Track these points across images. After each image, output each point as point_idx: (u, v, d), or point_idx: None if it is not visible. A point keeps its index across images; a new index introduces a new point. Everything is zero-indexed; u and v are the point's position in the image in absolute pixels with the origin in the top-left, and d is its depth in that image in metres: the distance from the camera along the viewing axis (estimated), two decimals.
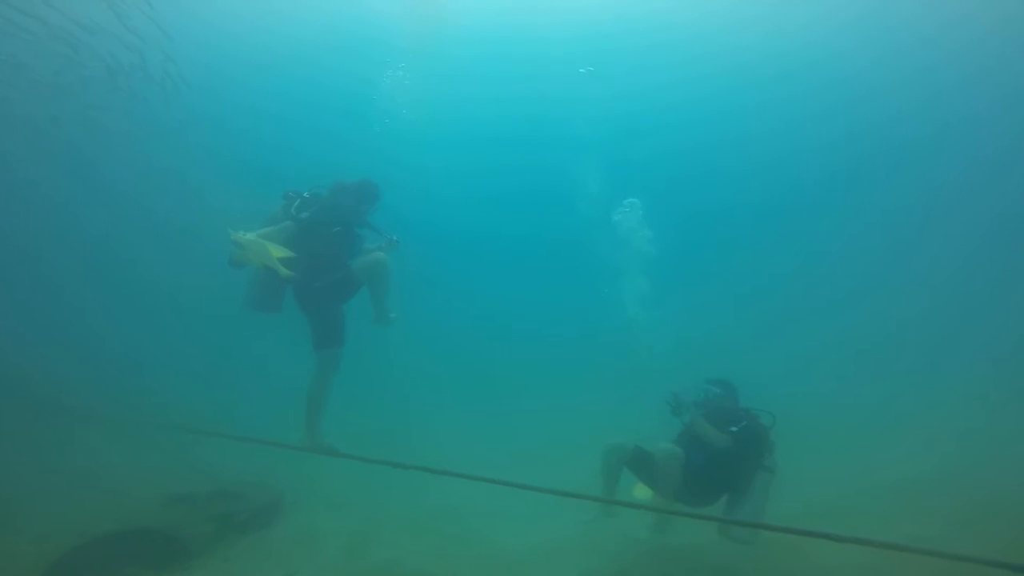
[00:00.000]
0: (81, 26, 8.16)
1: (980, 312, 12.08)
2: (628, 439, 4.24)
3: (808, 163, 16.85)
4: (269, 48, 14.11)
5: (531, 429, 8.20)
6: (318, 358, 4.16)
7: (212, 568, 3.98)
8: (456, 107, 16.24)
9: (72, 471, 5.02)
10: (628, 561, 4.43)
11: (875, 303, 13.47)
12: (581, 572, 4.23)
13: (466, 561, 4.33)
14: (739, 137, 16.79)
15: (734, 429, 4.07)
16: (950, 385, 9.01)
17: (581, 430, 7.54)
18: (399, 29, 13.39)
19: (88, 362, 7.83)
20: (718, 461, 3.98)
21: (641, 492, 4.41)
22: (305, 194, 4.22)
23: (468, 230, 17.44)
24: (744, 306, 14.58)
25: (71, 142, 9.52)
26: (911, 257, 15.06)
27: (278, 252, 3.78)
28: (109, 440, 5.39)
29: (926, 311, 12.60)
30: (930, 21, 13.81)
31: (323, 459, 5.68)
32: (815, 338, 12.34)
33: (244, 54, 13.78)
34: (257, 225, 4.07)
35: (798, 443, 4.52)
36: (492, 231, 17.80)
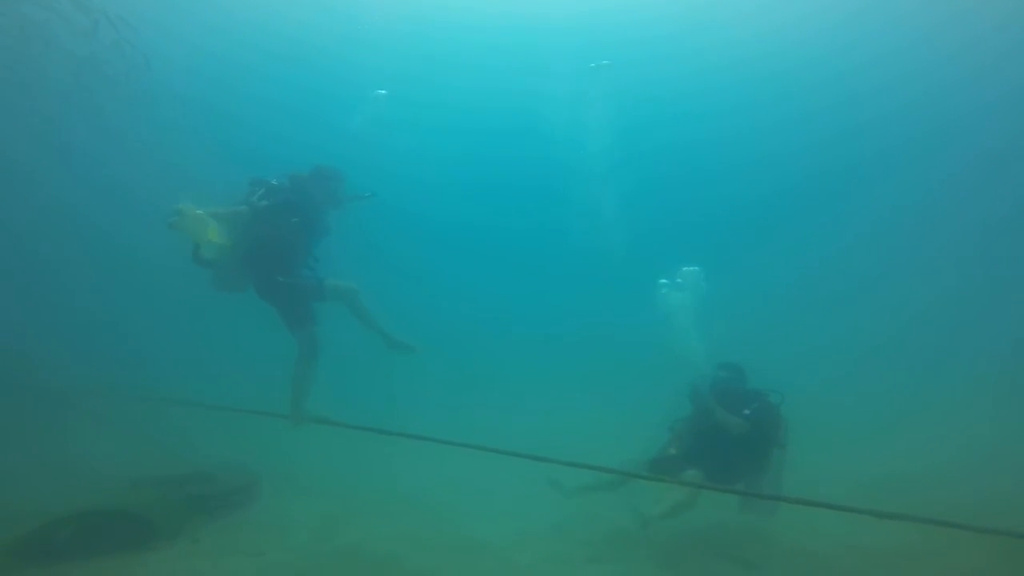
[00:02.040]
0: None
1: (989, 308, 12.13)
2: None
3: (822, 157, 16.67)
4: (253, 30, 13.82)
5: (528, 426, 8.18)
6: (296, 341, 4.17)
7: (180, 549, 3.99)
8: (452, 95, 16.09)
9: (45, 453, 4.99)
10: (598, 546, 4.49)
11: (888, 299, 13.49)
12: (549, 555, 4.28)
13: (435, 545, 4.35)
14: (742, 133, 16.64)
15: (747, 412, 4.20)
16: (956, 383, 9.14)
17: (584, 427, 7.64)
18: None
19: (65, 341, 7.77)
20: (737, 444, 4.11)
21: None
22: (273, 182, 4.18)
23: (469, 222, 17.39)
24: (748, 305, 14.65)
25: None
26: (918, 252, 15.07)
27: (213, 234, 3.77)
28: (85, 422, 5.38)
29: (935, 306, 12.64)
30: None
31: (299, 445, 5.75)
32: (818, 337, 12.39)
33: (229, 36, 13.50)
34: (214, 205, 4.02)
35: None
36: (496, 224, 17.77)
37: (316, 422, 4.22)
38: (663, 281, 5.63)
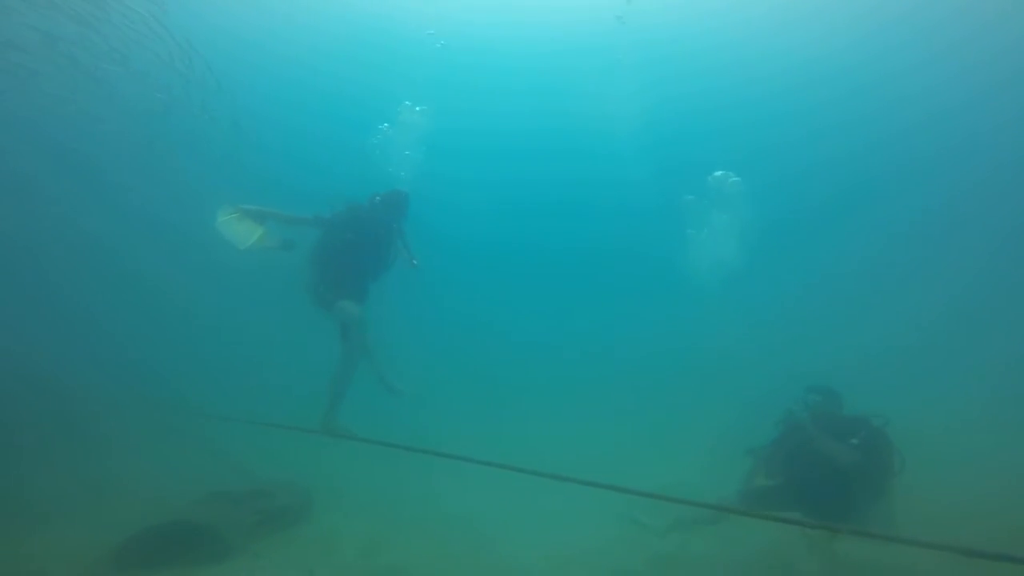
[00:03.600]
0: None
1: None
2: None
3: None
4: (269, 51, 14.51)
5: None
6: (343, 349, 4.59)
7: (242, 562, 4.37)
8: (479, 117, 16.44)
9: (123, 473, 5.64)
10: (638, 572, 4.45)
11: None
12: None
13: (474, 568, 4.49)
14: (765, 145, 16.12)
15: (855, 441, 3.89)
16: None
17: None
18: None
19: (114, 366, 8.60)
20: (846, 477, 3.78)
21: None
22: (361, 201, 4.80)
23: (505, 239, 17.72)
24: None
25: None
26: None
27: (259, 237, 4.30)
28: (155, 442, 6.02)
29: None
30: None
31: (348, 464, 6.12)
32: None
33: (246, 57, 14.04)
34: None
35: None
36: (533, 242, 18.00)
37: (344, 437, 4.49)
38: (689, 197, 5.21)
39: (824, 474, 3.83)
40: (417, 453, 3.93)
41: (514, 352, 13.64)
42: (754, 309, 13.83)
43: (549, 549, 4.82)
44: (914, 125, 15.22)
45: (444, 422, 7.80)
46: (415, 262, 4.87)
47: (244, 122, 10.72)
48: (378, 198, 4.90)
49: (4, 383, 6.28)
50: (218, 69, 9.48)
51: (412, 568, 4.38)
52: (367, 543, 4.86)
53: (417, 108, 8.96)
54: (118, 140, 10.87)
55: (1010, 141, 14.34)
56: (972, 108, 14.58)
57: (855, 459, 3.81)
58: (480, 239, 17.29)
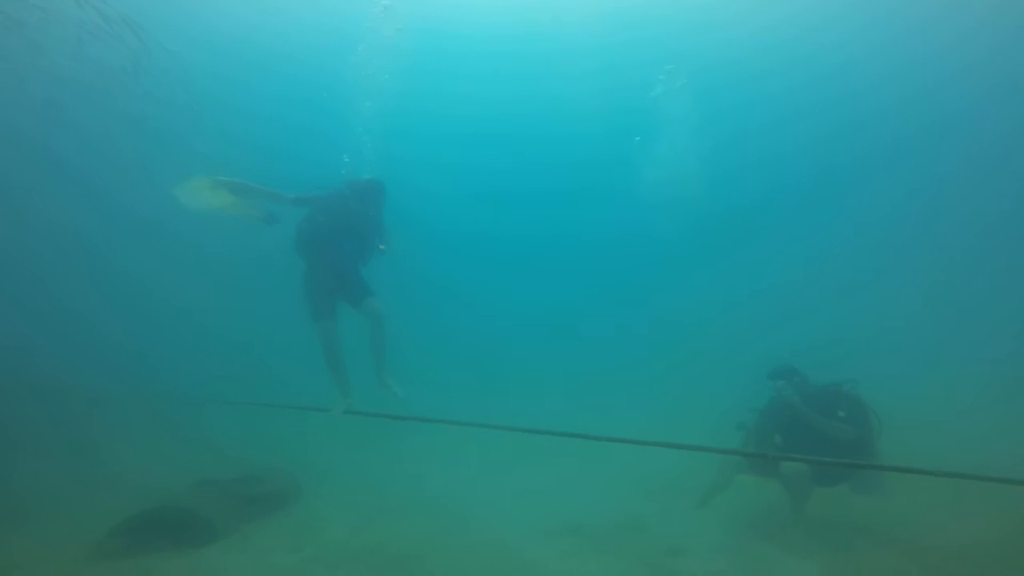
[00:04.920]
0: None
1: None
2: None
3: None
4: (249, 43, 14.22)
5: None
6: (365, 313, 4.73)
7: (232, 545, 4.50)
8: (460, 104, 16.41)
9: (115, 461, 5.73)
10: (613, 538, 4.66)
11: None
12: (566, 551, 4.48)
13: (458, 544, 4.64)
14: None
15: (842, 414, 4.18)
16: None
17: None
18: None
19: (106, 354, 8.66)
20: (841, 448, 4.07)
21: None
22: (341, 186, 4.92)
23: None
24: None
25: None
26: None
27: (226, 203, 4.33)
28: (143, 433, 6.10)
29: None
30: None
31: (334, 449, 6.25)
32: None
33: (223, 47, 13.82)
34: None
35: None
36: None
37: (347, 413, 4.57)
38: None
39: (814, 446, 4.09)
40: (437, 424, 3.97)
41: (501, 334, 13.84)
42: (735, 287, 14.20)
43: (532, 524, 5.01)
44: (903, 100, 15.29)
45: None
46: (382, 247, 4.92)
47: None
48: (355, 186, 4.95)
49: None
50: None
51: (399, 545, 4.53)
52: (355, 523, 5.01)
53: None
54: (83, 131, 10.78)
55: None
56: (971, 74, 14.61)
57: (851, 433, 4.08)
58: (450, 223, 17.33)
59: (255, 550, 4.45)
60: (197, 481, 5.28)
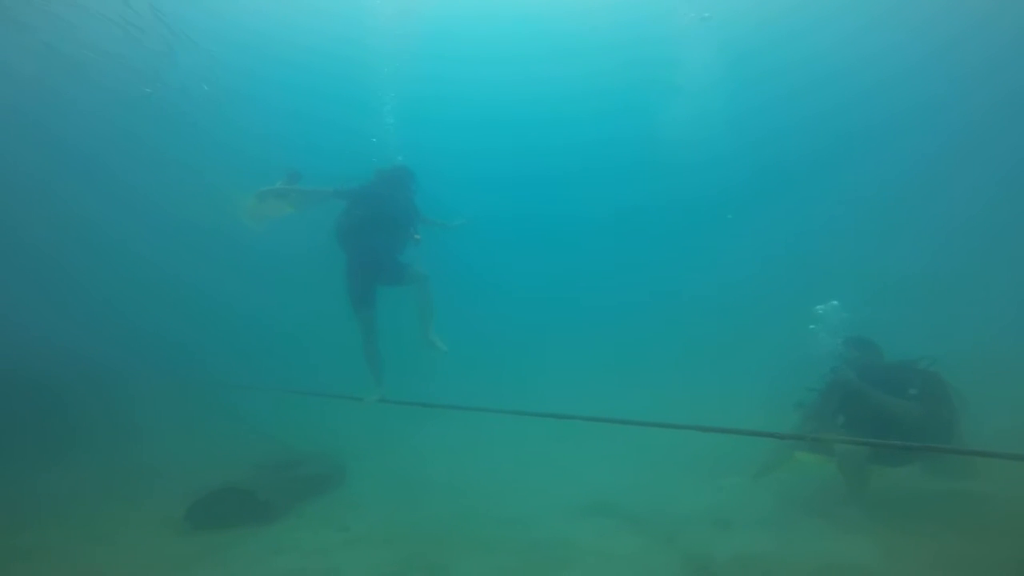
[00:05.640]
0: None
1: None
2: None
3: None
4: (267, 36, 14.17)
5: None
6: (408, 281, 5.00)
7: (287, 523, 5.00)
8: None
9: (180, 448, 6.36)
10: (641, 519, 4.87)
11: None
12: (595, 528, 4.73)
13: (496, 520, 4.95)
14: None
15: (913, 391, 3.83)
16: None
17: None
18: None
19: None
20: (911, 430, 3.65)
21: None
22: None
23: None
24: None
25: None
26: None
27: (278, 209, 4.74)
28: (200, 424, 6.71)
29: None
30: None
31: (375, 435, 6.70)
32: None
33: (240, 41, 13.74)
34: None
35: None
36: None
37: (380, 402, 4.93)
38: None
39: (880, 428, 3.66)
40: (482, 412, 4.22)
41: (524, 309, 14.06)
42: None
43: (559, 501, 5.28)
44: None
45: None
46: (418, 237, 5.09)
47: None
48: (384, 174, 5.11)
49: (55, 380, 6.99)
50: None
51: (437, 523, 4.91)
52: (394, 503, 5.43)
53: None
54: (109, 128, 11.24)
55: None
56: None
57: (918, 412, 3.68)
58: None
59: (307, 527, 4.92)
60: (253, 465, 5.82)
